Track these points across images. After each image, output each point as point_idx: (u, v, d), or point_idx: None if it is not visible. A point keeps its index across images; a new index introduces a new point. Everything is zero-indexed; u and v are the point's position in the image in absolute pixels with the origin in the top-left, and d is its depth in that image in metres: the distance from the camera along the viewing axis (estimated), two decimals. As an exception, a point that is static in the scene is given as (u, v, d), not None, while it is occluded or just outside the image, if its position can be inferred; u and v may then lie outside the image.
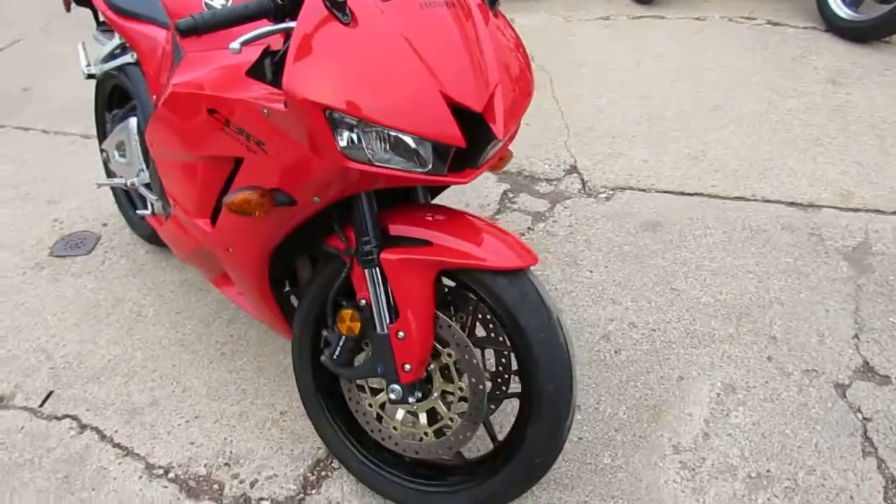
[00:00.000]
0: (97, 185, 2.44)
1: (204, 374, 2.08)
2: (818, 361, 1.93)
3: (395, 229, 1.43)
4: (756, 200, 2.58)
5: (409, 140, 1.20)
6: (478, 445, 1.70)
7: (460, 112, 1.22)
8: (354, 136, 1.22)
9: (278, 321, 1.73)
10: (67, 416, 1.98)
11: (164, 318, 2.30)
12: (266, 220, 1.44)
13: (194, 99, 1.46)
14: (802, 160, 2.77)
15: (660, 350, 2.01)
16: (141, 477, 1.79)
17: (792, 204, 2.54)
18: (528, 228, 2.58)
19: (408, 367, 1.43)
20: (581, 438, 1.79)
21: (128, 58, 2.03)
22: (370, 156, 1.24)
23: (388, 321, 1.42)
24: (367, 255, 1.40)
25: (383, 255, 1.39)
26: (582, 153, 2.98)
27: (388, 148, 1.24)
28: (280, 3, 1.24)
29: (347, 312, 1.49)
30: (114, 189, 2.66)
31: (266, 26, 1.23)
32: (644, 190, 2.71)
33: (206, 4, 1.52)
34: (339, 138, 1.22)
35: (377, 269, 1.40)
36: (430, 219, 1.45)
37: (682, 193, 2.66)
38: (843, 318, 2.06)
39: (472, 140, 1.29)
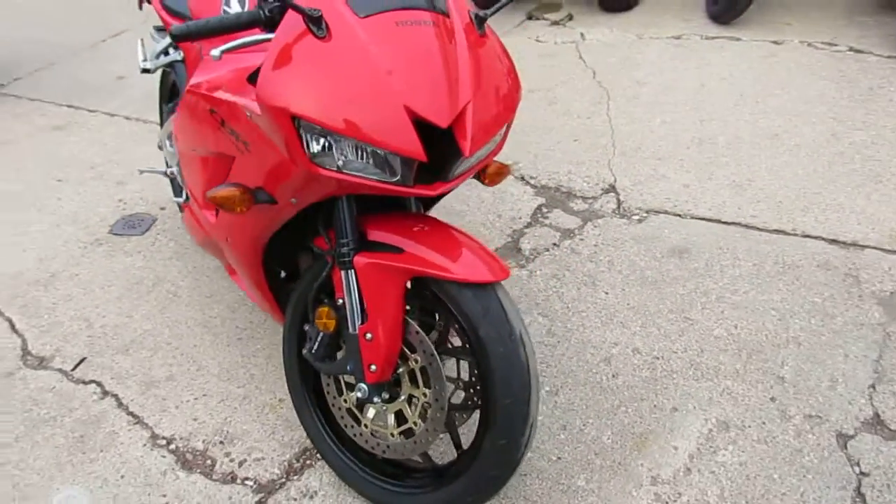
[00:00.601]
0: (140, 171, 2.63)
1: (220, 355, 2.21)
2: (824, 408, 1.84)
3: (373, 234, 1.49)
4: (795, 235, 2.47)
5: (369, 150, 1.26)
6: (451, 451, 1.72)
7: (431, 127, 1.27)
8: (325, 144, 1.28)
9: (274, 311, 1.82)
10: (94, 381, 2.15)
11: (195, 300, 2.45)
12: (254, 216, 1.53)
13: (201, 99, 1.57)
14: (855, 196, 2.63)
15: (659, 379, 1.97)
16: (145, 445, 1.92)
17: (833, 241, 2.42)
18: (554, 245, 2.57)
19: (373, 367, 1.48)
20: (560, 458, 1.79)
21: (176, 55, 2.19)
22: (340, 164, 1.30)
23: (358, 322, 1.47)
24: (343, 256, 1.46)
25: (357, 258, 1.44)
26: (624, 173, 2.94)
27: (361, 157, 1.30)
28: (269, 14, 1.32)
29: (324, 310, 1.56)
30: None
31: (253, 35, 1.32)
32: (679, 215, 2.65)
33: (224, 9, 1.63)
34: (311, 145, 1.29)
35: (352, 270, 1.46)
36: (408, 227, 1.49)
37: (718, 221, 2.58)
38: (862, 365, 1.95)
39: (444, 154, 1.34)
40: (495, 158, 1.73)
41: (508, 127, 1.53)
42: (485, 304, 1.42)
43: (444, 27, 1.36)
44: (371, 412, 1.61)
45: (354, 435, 1.66)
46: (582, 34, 4.39)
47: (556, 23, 4.58)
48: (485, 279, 1.40)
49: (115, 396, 2.09)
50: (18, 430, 2.00)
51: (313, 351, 1.59)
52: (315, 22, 1.26)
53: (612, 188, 2.86)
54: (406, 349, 1.52)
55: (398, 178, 1.32)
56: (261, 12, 1.33)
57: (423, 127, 1.26)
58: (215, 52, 1.27)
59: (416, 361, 1.51)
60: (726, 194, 2.72)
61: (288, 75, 1.25)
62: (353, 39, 1.27)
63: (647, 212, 2.69)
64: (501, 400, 1.41)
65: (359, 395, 1.53)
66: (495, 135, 1.43)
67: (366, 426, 1.62)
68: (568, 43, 4.29)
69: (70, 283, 2.60)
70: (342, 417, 1.67)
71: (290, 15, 1.29)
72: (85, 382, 2.15)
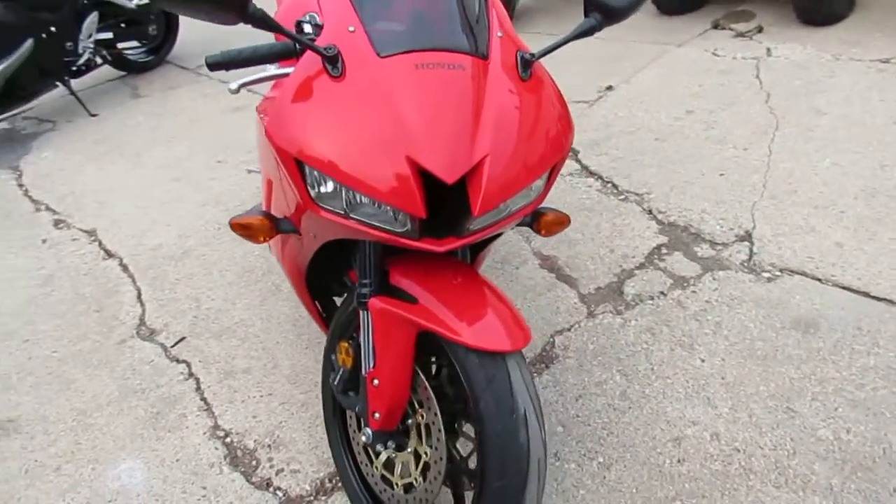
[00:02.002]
0: (248, 171, 2.76)
1: (296, 356, 2.27)
2: (934, 559, 1.48)
3: (395, 278, 1.42)
4: (964, 327, 2.01)
5: (366, 201, 1.19)
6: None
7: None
8: (332, 187, 1.24)
9: (322, 329, 1.83)
10: (184, 361, 2.31)
11: (292, 296, 2.55)
12: (289, 243, 1.53)
13: (259, 119, 1.60)
14: None
15: (732, 476, 1.71)
16: (205, 433, 2.03)
17: None
18: (661, 293, 2.32)
19: (377, 415, 1.43)
20: (589, 543, 1.61)
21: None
22: (345, 208, 1.25)
23: (369, 366, 1.42)
24: (361, 297, 1.41)
25: (372, 301, 1.39)
26: (767, 220, 2.58)
27: (366, 203, 1.24)
28: (300, 48, 1.29)
29: (345, 345, 1.53)
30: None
31: (271, 69, 1.30)
32: (819, 279, 2.26)
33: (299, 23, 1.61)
34: (316, 186, 1.25)
35: (367, 312, 1.41)
36: (432, 276, 1.41)
37: (866, 295, 2.17)
38: None
39: (460, 208, 1.23)
40: (553, 207, 1.59)
41: (554, 173, 1.38)
42: (490, 374, 1.30)
43: (476, 71, 1.25)
44: (383, 456, 1.56)
45: (367, 473, 1.62)
46: (768, 49, 3.91)
47: (741, 34, 4.13)
48: (492, 347, 1.28)
49: (197, 380, 2.23)
50: (113, 394, 2.21)
51: (334, 382, 1.57)
52: (330, 61, 1.22)
53: (747, 236, 2.52)
54: (415, 402, 1.45)
55: (405, 229, 1.24)
56: (295, 45, 1.31)
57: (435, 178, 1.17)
58: (233, 85, 1.27)
59: (423, 417, 1.43)
60: (886, 263, 2.28)
61: (296, 114, 1.22)
62: (366, 81, 1.21)
63: (781, 270, 2.33)
64: (492, 481, 1.29)
65: (363, 438, 1.48)
66: (525, 188, 1.29)
67: (376, 468, 1.57)
68: (748, 59, 3.85)
69: (196, 262, 2.82)
70: (359, 453, 1.64)
71: (309, 53, 1.25)
72: (177, 361, 2.32)
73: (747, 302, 2.23)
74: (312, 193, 1.26)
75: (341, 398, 1.58)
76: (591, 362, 2.10)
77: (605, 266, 2.50)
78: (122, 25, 4.82)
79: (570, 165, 3.14)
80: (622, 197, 2.87)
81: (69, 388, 2.26)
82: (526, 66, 1.32)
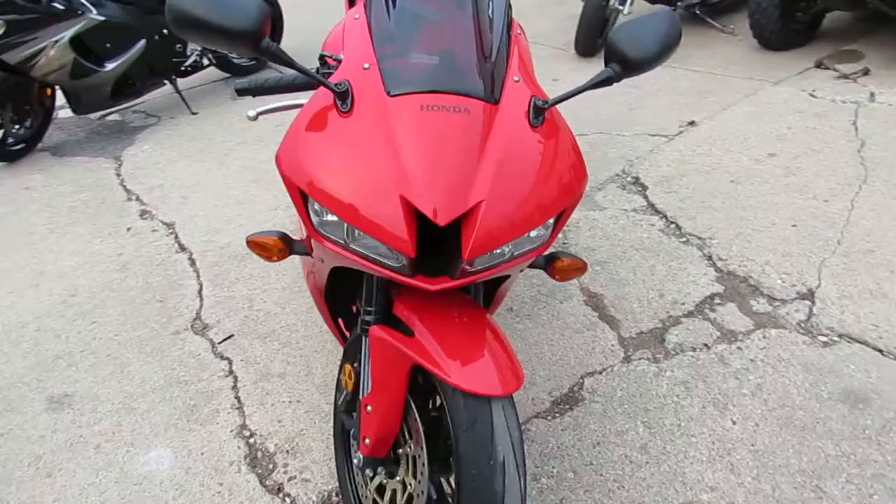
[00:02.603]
0: None
1: (330, 365, 2.34)
2: None
3: (398, 309, 1.44)
4: None
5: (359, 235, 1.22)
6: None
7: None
8: (333, 217, 1.27)
9: (342, 345, 1.88)
10: (227, 358, 2.43)
11: (338, 306, 2.62)
12: (308, 259, 1.58)
13: None
14: None
15: (741, 551, 1.61)
16: (232, 431, 2.13)
17: None
18: (704, 346, 2.23)
19: (367, 440, 1.45)
20: None
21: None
22: (345, 238, 1.28)
23: (365, 391, 1.45)
24: (364, 323, 1.44)
25: (372, 329, 1.41)
26: (835, 279, 2.42)
27: (364, 236, 1.27)
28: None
29: (348, 368, 1.56)
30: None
31: (292, 99, 1.35)
32: (880, 350, 2.10)
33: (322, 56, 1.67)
34: (322, 216, 1.29)
35: (366, 339, 1.43)
36: (433, 310, 1.41)
37: (931, 374, 2.00)
38: None
39: (456, 249, 1.24)
40: (570, 252, 1.56)
41: (562, 220, 1.36)
42: (472, 417, 1.29)
43: (483, 116, 1.25)
44: (376, 480, 1.58)
45: (362, 495, 1.64)
46: (871, 94, 3.66)
47: (845, 76, 3.89)
48: (478, 390, 1.28)
49: (235, 378, 2.33)
50: (159, 383, 2.35)
51: (339, 402, 1.61)
52: (340, 96, 1.26)
53: (810, 294, 2.37)
54: (406, 434, 1.46)
55: (400, 265, 1.26)
56: (318, 77, 1.35)
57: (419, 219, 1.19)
58: (251, 112, 1.33)
59: (411, 448, 1.44)
60: (961, 340, 2.09)
61: (303, 145, 1.27)
62: (371, 119, 1.24)
63: (839, 335, 2.18)
64: (464, 527, 1.28)
65: (354, 460, 1.51)
66: (525, 234, 1.28)
67: (370, 491, 1.59)
68: (847, 103, 3.62)
69: (256, 263, 2.95)
70: (356, 474, 1.66)
71: (322, 88, 1.29)
72: (221, 357, 2.44)
73: (795, 366, 2.10)
74: (315, 221, 1.30)
75: (344, 418, 1.62)
76: (616, 409, 2.04)
77: (651, 310, 2.42)
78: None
79: (635, 201, 3.07)
80: (683, 239, 2.77)
81: (122, 371, 2.41)
82: (538, 112, 1.31)
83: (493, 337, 1.39)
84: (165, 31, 4.54)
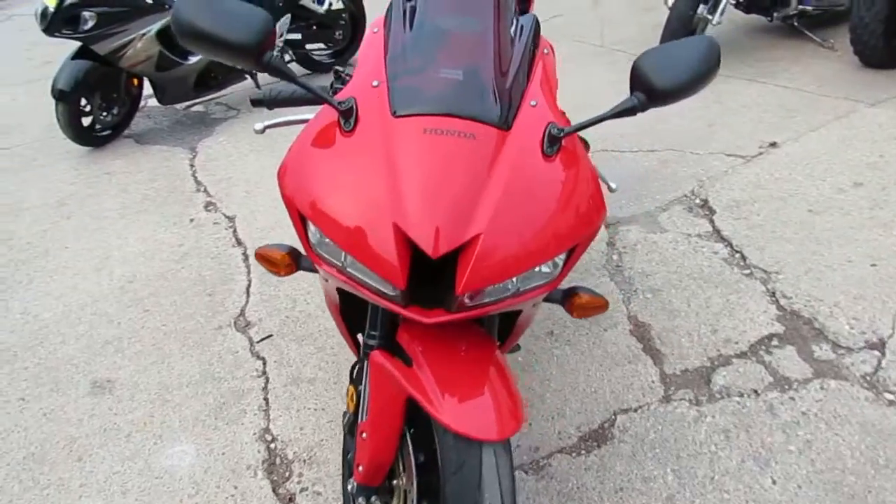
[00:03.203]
0: None
1: (359, 377, 2.31)
2: None
3: (401, 336, 1.38)
4: None
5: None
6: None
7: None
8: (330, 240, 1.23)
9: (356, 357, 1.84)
10: (262, 358, 2.44)
11: (377, 314, 2.59)
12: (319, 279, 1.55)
13: None
14: None
15: None
16: (254, 434, 2.13)
17: None
18: (754, 391, 2.06)
19: (360, 468, 1.40)
20: None
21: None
22: (342, 262, 1.24)
23: (362, 417, 1.40)
24: (367, 347, 1.40)
25: (373, 354, 1.37)
26: (912, 330, 2.19)
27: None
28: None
29: (351, 389, 1.52)
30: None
31: (296, 114, 1.31)
32: (955, 417, 1.88)
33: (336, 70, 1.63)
34: (321, 237, 1.25)
35: (367, 363, 1.39)
36: (436, 342, 1.35)
37: None
38: None
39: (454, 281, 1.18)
40: (590, 289, 1.46)
41: (574, 255, 1.27)
42: (461, 460, 1.22)
43: (491, 142, 1.18)
44: (372, 506, 1.53)
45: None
46: (983, 123, 3.31)
47: (955, 101, 3.53)
48: (470, 433, 1.20)
49: (266, 380, 2.34)
50: (195, 377, 2.39)
51: (343, 421, 1.57)
52: (344, 114, 1.21)
53: (880, 345, 2.15)
54: (401, 466, 1.40)
55: (394, 294, 1.20)
56: (328, 92, 1.32)
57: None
58: (258, 126, 1.30)
59: (403, 481, 1.38)
60: None
61: (303, 164, 1.23)
62: (373, 140, 1.18)
63: (909, 394, 1.97)
64: (442, 573, 1.21)
65: (349, 487, 1.47)
66: (529, 270, 1.19)
67: (365, 516, 1.55)
68: (954, 132, 3.29)
69: (306, 263, 2.96)
70: (350, 499, 1.62)
71: (327, 105, 1.25)
72: (257, 357, 2.46)
73: (853, 424, 1.91)
74: (313, 242, 1.26)
75: (347, 439, 1.58)
76: (646, 453, 1.91)
77: (700, 346, 2.26)
78: (312, 28, 5.19)
79: (700, 225, 2.89)
80: (747, 271, 2.58)
81: (164, 362, 2.47)
82: (553, 141, 1.22)
83: (497, 375, 1.31)
84: (248, 26, 4.65)
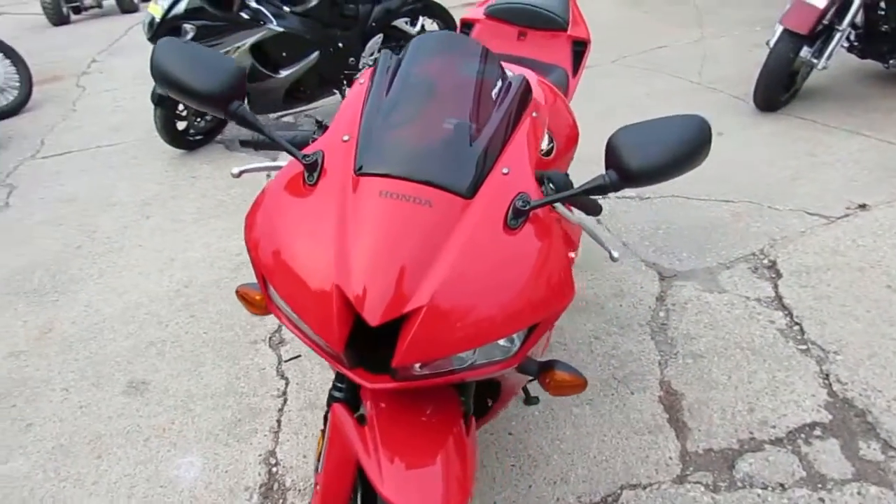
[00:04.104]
0: None
1: (373, 410, 2.29)
2: None
3: (363, 391, 1.36)
4: None
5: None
6: None
7: None
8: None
9: None
10: (286, 378, 2.48)
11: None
12: None
13: None
14: None
15: None
16: (260, 455, 2.16)
17: None
18: (780, 485, 1.88)
19: (314, 520, 1.38)
20: None
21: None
22: (295, 318, 1.22)
23: (319, 468, 1.39)
24: (330, 398, 1.38)
25: (334, 406, 1.35)
26: (981, 440, 1.92)
27: None
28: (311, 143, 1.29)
29: (320, 436, 1.50)
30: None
31: (269, 162, 1.31)
32: None
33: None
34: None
35: (329, 414, 1.37)
36: (396, 405, 1.32)
37: None
38: None
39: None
40: (570, 366, 1.38)
41: (534, 335, 1.19)
42: (396, 535, 1.18)
43: (448, 211, 1.13)
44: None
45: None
46: None
47: None
48: (401, 506, 1.16)
49: (285, 401, 2.38)
50: (220, 389, 2.45)
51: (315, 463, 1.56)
52: (308, 168, 1.20)
53: (939, 452, 1.91)
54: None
55: (338, 355, 1.17)
56: (311, 139, 1.31)
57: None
58: (235, 170, 1.31)
59: (354, 542, 1.35)
60: None
61: (264, 216, 1.23)
62: (331, 197, 1.17)
63: (962, 516, 1.73)
64: None
65: (305, 537, 1.45)
66: (477, 347, 1.13)
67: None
68: None
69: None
70: None
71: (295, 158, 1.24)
72: (282, 377, 2.50)
73: (887, 542, 1.70)
74: (270, 294, 1.25)
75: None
76: (645, 538, 1.78)
77: (732, 425, 2.09)
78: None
79: (761, 289, 2.68)
80: (803, 347, 2.37)
81: (196, 370, 2.56)
82: (517, 213, 1.15)
83: (454, 445, 1.27)
84: (340, 44, 4.78)
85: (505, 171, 1.19)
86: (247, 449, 2.19)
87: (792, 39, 3.90)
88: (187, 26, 4.17)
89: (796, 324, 2.48)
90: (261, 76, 4.52)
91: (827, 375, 2.23)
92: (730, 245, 2.99)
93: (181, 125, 4.55)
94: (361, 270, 1.09)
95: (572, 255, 1.37)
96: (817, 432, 2.03)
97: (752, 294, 2.67)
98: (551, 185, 1.32)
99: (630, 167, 1.09)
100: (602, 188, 1.14)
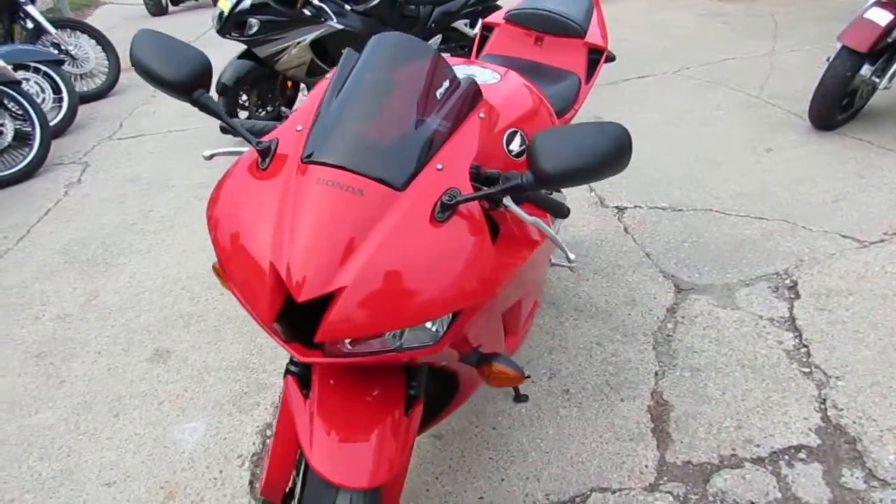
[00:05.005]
0: None
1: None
2: None
3: (315, 368, 1.45)
4: None
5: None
6: None
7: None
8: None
9: None
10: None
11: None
12: None
13: None
14: None
15: None
16: (257, 426, 2.30)
17: None
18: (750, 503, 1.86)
19: (262, 480, 1.49)
20: None
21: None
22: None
23: (273, 432, 1.49)
24: (286, 371, 1.48)
25: (287, 378, 1.45)
26: (973, 479, 1.84)
27: None
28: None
29: (281, 404, 1.60)
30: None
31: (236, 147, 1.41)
32: None
33: None
34: None
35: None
36: (343, 381, 1.41)
37: None
38: None
39: None
40: (510, 360, 1.44)
41: (457, 323, 1.26)
42: (318, 501, 1.27)
43: (378, 200, 1.21)
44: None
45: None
46: None
47: None
48: (323, 474, 1.25)
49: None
50: (234, 363, 2.61)
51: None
52: (261, 154, 1.30)
53: (925, 487, 1.84)
54: (298, 491, 1.47)
55: (275, 327, 1.27)
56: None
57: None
58: (206, 153, 1.43)
59: (294, 504, 1.45)
60: None
61: (221, 196, 1.33)
62: (278, 182, 1.27)
63: (933, 554, 1.67)
64: None
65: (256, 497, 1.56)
66: (399, 328, 1.21)
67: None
68: None
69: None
70: None
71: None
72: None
73: (848, 570, 1.66)
74: (221, 267, 1.36)
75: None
76: (602, 540, 1.80)
77: (716, 440, 2.08)
78: (462, 50, 5.36)
79: (776, 309, 2.62)
80: (806, 370, 2.31)
81: (216, 343, 2.73)
82: (444, 207, 1.21)
83: (392, 427, 1.35)
84: (398, 43, 4.91)
85: (439, 166, 1.26)
86: (247, 420, 2.33)
87: (850, 57, 3.76)
88: (252, 20, 4.40)
89: (804, 346, 2.42)
90: (319, 71, 4.71)
91: (824, 400, 2.18)
92: (754, 263, 2.93)
93: (243, 115, 4.79)
94: (294, 251, 1.18)
95: (572, 256, 1.39)
96: (802, 455, 2.00)
97: (766, 313, 2.61)
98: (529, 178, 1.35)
99: (545, 169, 1.14)
100: (519, 188, 1.19)
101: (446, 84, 1.34)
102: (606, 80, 5.19)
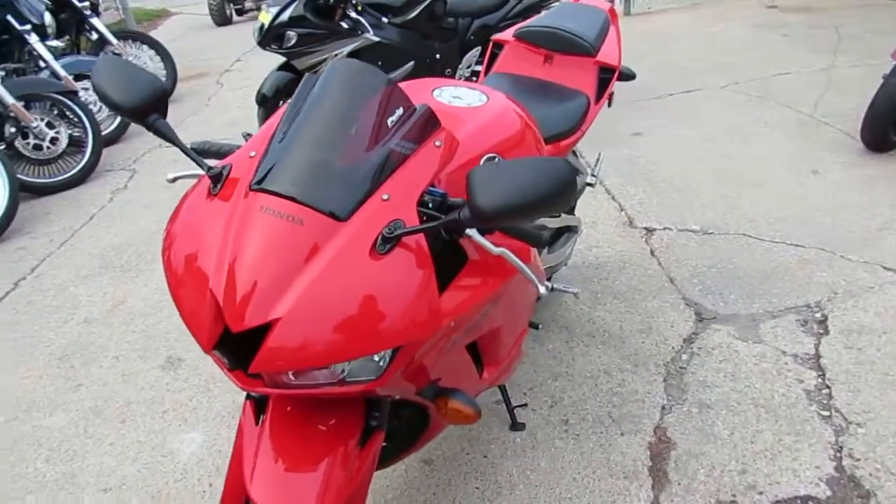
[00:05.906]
0: None
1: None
2: None
3: (272, 395, 1.43)
4: None
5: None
6: None
7: None
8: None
9: None
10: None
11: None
12: None
13: None
14: None
15: None
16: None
17: None
18: (743, 556, 1.74)
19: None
20: None
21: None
22: None
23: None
24: (247, 395, 1.48)
25: (245, 403, 1.46)
26: None
27: None
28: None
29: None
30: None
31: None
32: None
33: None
34: None
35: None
36: (297, 408, 1.40)
37: None
38: None
39: None
40: (467, 397, 1.39)
41: (399, 357, 1.22)
42: (256, 533, 1.25)
43: (317, 231, 1.18)
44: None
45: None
46: None
47: None
48: (262, 508, 1.23)
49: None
50: (241, 375, 2.63)
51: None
52: (213, 179, 1.30)
53: (940, 552, 1.68)
54: None
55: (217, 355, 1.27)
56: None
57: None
58: (170, 176, 1.44)
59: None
60: None
61: (176, 220, 1.33)
62: (225, 208, 1.26)
63: None
64: None
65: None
66: (334, 362, 1.18)
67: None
68: None
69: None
70: None
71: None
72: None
73: None
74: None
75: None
76: (580, 584, 1.72)
77: (716, 484, 1.96)
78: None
79: (802, 345, 2.47)
80: (825, 413, 2.16)
81: (227, 354, 2.76)
82: (386, 240, 1.18)
83: (342, 458, 1.32)
84: (438, 55, 4.91)
85: (385, 197, 1.22)
86: (244, 433, 2.34)
87: (905, 75, 3.54)
88: (290, 33, 4.47)
89: (826, 387, 2.27)
90: (357, 83, 4.75)
91: (840, 448, 2.03)
92: (784, 293, 2.77)
93: (283, 126, 4.88)
94: (232, 280, 1.17)
95: (542, 289, 1.34)
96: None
97: (790, 349, 2.46)
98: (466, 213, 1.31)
99: (480, 206, 1.09)
100: (456, 222, 1.14)
101: (399, 112, 1.30)
102: (650, 95, 5.04)
